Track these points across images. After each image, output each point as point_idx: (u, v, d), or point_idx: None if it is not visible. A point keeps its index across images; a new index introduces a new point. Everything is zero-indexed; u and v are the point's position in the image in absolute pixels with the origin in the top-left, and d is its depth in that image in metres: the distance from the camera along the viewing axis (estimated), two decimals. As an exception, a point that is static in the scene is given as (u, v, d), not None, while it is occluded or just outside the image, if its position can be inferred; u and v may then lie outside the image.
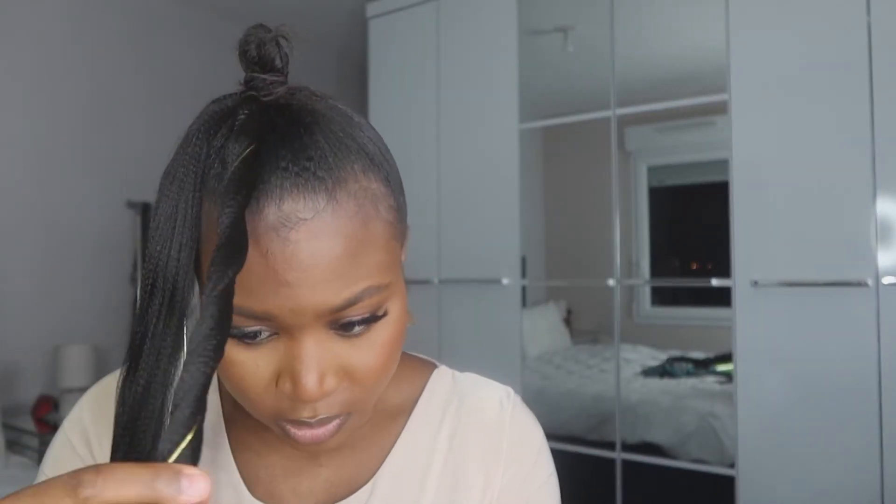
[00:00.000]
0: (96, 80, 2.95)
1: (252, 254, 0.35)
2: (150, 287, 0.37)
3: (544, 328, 2.72)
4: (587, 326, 2.69)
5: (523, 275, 2.53)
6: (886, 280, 1.83)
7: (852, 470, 1.86)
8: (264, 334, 0.39)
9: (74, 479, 0.25)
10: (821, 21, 1.95)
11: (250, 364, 0.39)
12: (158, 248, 0.37)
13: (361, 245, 0.38)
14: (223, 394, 0.55)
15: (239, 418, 0.53)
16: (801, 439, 1.94)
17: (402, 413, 0.54)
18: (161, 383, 0.36)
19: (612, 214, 2.38)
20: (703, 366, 2.35)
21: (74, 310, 2.82)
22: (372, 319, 0.40)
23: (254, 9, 3.24)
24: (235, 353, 0.39)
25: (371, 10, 2.98)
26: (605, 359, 2.48)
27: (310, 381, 0.38)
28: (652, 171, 2.49)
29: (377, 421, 0.53)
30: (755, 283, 2.00)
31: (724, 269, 2.09)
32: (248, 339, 0.39)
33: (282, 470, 0.52)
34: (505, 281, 2.52)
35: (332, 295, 0.37)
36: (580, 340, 2.68)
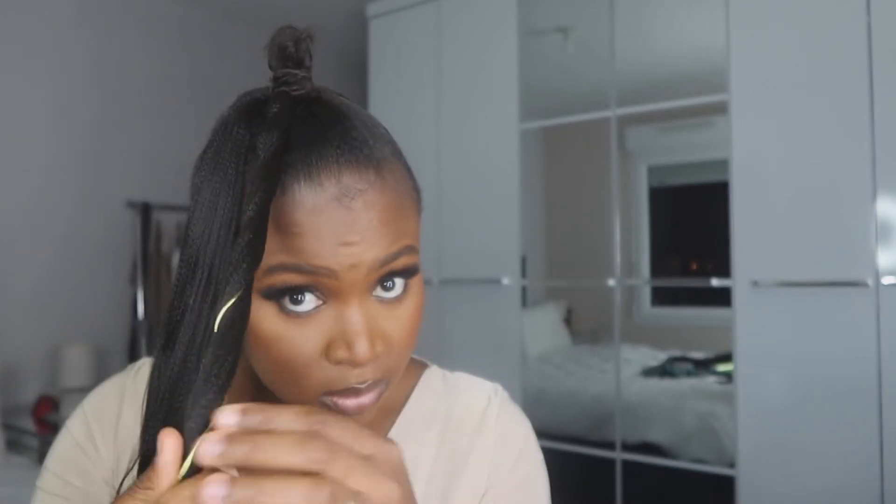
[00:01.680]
0: (98, 81, 2.95)
1: (316, 222, 0.40)
2: (192, 266, 0.41)
3: (544, 328, 2.72)
4: (587, 326, 2.69)
5: (523, 275, 2.54)
6: (886, 280, 1.83)
7: (852, 470, 1.86)
8: (311, 304, 0.41)
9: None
10: (821, 21, 1.95)
11: (300, 338, 0.42)
12: (201, 229, 0.41)
13: (401, 211, 0.44)
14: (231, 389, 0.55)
15: None
16: (801, 439, 1.94)
17: (393, 409, 0.56)
18: (196, 357, 0.39)
19: (612, 214, 2.38)
20: (703, 366, 2.35)
21: (74, 310, 2.82)
22: (409, 273, 0.45)
23: (256, 9, 3.24)
24: (284, 328, 0.41)
25: (371, 10, 2.98)
26: (605, 359, 2.48)
27: (364, 343, 0.41)
28: (652, 171, 2.49)
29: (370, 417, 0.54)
30: (755, 283, 2.00)
31: (724, 269, 2.09)
32: (295, 305, 0.41)
33: None
34: (505, 281, 2.52)
35: (382, 250, 0.42)
36: (580, 340, 2.68)
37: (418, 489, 0.53)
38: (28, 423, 2.55)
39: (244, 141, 0.41)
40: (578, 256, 2.63)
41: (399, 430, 0.55)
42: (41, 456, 2.40)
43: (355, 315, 0.42)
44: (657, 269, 2.45)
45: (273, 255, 0.40)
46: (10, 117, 2.68)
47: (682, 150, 2.45)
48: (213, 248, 0.40)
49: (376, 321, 0.43)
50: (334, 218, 0.40)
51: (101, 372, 2.67)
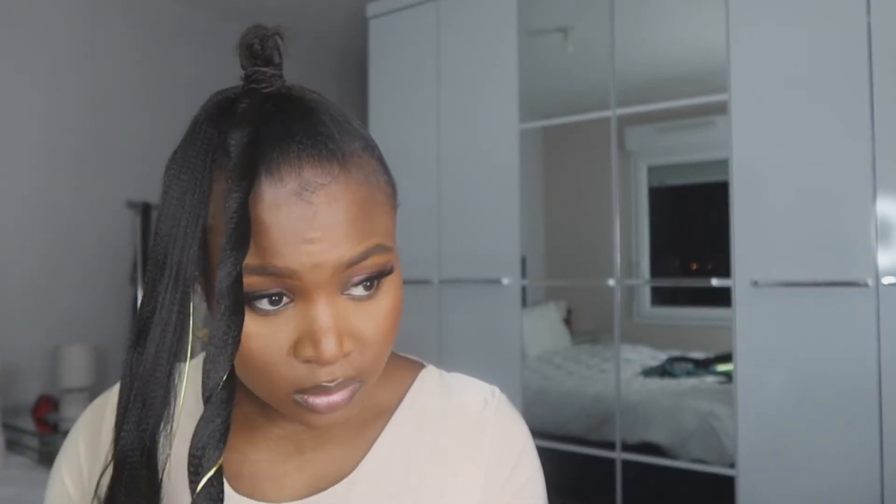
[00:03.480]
0: (97, 80, 2.95)
1: (275, 218, 0.39)
2: (160, 264, 0.40)
3: (544, 328, 2.72)
4: (587, 326, 2.69)
5: (523, 275, 2.54)
6: (886, 280, 1.83)
7: (852, 470, 1.86)
8: (280, 302, 0.41)
9: None
10: (821, 21, 1.95)
11: (268, 335, 0.41)
12: (168, 227, 0.40)
13: (370, 208, 0.42)
14: None
15: None
16: (801, 439, 1.94)
17: (387, 410, 0.55)
18: (167, 353, 0.40)
19: (612, 214, 2.38)
20: (703, 366, 2.35)
21: (74, 310, 2.82)
22: (380, 276, 0.44)
23: (255, 8, 3.24)
24: (253, 325, 0.41)
25: (371, 10, 2.98)
26: (605, 359, 2.48)
27: (330, 341, 0.41)
28: (652, 171, 2.49)
29: (363, 417, 0.54)
30: (755, 283, 2.01)
31: (724, 269, 2.09)
32: (266, 304, 0.41)
33: (266, 466, 0.52)
34: (505, 281, 2.52)
35: (347, 249, 0.41)
36: (580, 340, 2.68)
37: (410, 487, 0.52)
38: (28, 423, 2.55)
39: (213, 139, 0.41)
40: (578, 256, 2.63)
41: (393, 428, 0.54)
42: (41, 456, 2.40)
43: (322, 313, 0.41)
44: (657, 269, 2.45)
45: None
46: (9, 117, 2.68)
47: (682, 150, 2.45)
48: (180, 245, 0.40)
49: (346, 319, 0.42)
50: (294, 213, 0.39)
51: (101, 372, 2.67)
